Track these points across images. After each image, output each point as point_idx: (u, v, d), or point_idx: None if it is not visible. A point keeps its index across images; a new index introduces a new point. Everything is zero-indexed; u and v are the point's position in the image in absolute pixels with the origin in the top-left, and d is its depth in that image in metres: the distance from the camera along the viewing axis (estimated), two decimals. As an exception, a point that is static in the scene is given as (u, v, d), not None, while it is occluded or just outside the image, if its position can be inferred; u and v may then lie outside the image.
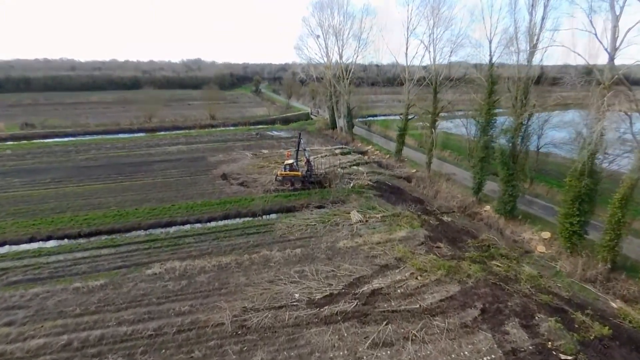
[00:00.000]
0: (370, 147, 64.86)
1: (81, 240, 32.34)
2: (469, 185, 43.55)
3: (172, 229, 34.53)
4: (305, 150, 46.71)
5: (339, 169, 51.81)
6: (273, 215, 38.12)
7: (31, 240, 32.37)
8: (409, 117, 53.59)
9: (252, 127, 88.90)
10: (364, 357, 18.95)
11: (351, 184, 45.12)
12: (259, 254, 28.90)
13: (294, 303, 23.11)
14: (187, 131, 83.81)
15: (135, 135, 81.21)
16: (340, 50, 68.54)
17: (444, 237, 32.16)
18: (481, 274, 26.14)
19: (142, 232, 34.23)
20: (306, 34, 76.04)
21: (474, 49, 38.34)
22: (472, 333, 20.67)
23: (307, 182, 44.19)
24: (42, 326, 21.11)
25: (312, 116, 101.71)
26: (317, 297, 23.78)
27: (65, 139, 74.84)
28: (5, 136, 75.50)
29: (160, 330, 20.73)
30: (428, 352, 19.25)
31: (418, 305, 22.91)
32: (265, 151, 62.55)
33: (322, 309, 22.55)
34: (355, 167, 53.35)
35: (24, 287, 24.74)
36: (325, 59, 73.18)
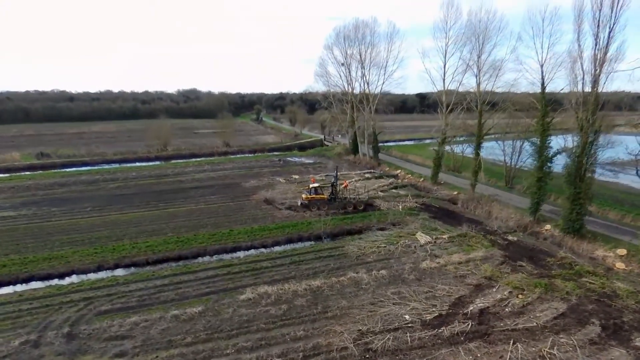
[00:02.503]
0: (399, 171, 65.39)
1: (151, 268, 31.27)
2: (516, 206, 44.21)
3: (241, 254, 33.76)
4: (335, 176, 46.71)
5: (379, 192, 52.03)
6: (330, 238, 37.67)
7: (99, 269, 31.18)
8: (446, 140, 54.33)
9: (270, 153, 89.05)
10: (510, 377, 18.40)
11: (400, 207, 45.13)
12: (347, 277, 28.32)
13: (408, 325, 22.53)
14: (206, 159, 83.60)
15: (153, 163, 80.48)
16: (367, 77, 70.04)
17: (521, 256, 32.12)
18: (579, 290, 26.05)
19: (209, 258, 33.33)
20: (328, 61, 76.66)
21: (519, 73, 39.52)
22: (604, 349, 20.36)
23: (337, 204, 44.23)
24: (156, 356, 20.04)
25: (325, 143, 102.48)
26: (427, 318, 23.26)
27: (84, 168, 73.84)
28: (22, 166, 73.95)
29: (285, 356, 19.86)
30: (572, 370, 18.83)
31: (535, 324, 22.56)
32: (296, 176, 62.57)
33: (439, 330, 22.02)
34: (394, 191, 53.59)
35: (118, 317, 23.59)
36: (347, 86, 74.59)
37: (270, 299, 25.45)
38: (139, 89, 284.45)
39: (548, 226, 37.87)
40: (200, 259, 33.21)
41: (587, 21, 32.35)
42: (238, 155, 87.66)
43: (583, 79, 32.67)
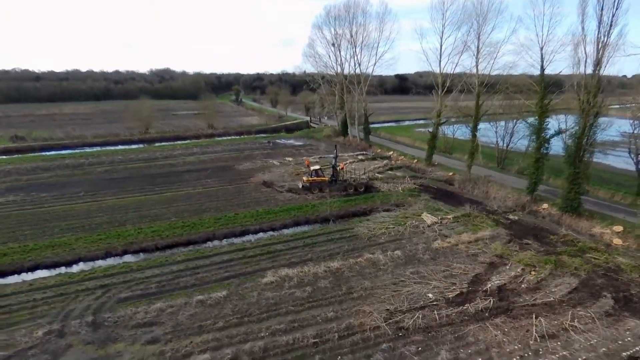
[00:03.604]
0: (392, 152, 65.90)
1: (161, 253, 30.68)
2: (511, 186, 45.56)
3: (250, 238, 33.53)
4: (334, 158, 46.83)
5: (376, 174, 52.41)
6: (337, 220, 37.89)
7: (107, 255, 30.32)
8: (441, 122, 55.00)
9: (257, 135, 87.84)
10: (540, 349, 19.30)
11: (400, 188, 45.70)
12: (363, 258, 28.67)
13: (433, 303, 23.15)
14: (191, 141, 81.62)
15: (137, 146, 77.99)
16: (358, 58, 69.47)
17: (526, 234, 33.32)
18: (586, 266, 27.37)
19: (219, 242, 32.96)
20: (317, 41, 75.55)
21: (518, 56, 40.14)
22: (620, 320, 21.61)
23: (338, 186, 44.35)
24: (190, 342, 19.86)
25: (312, 124, 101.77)
26: (450, 296, 23.95)
27: (65, 152, 70.77)
28: (-4, 150, 70.07)
29: (321, 337, 20.09)
30: (595, 341, 19.91)
31: (552, 299, 23.61)
32: (289, 159, 62.13)
33: (464, 307, 22.74)
34: (390, 172, 54.11)
35: (141, 304, 23.14)
36: (338, 67, 73.89)
37: (292, 281, 25.51)
38: (109, 68, 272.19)
39: (545, 205, 39.30)
40: (209, 244, 32.78)
41: (591, 5, 32.97)
42: (224, 138, 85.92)
43: (586, 61, 33.52)
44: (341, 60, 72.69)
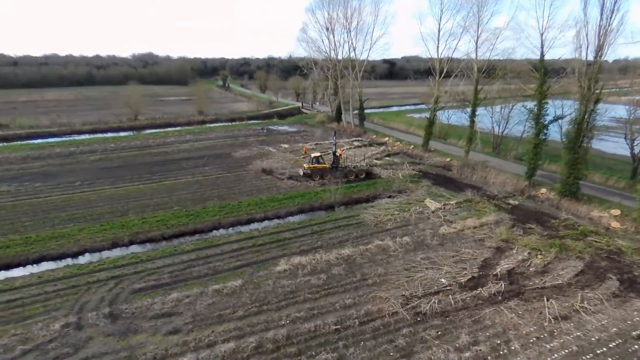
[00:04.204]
0: (387, 138, 66.02)
1: (168, 243, 30.46)
2: (508, 171, 46.29)
3: (257, 226, 33.54)
4: (334, 144, 46.88)
5: (374, 160, 52.58)
6: (342, 207, 38.11)
7: (113, 246, 29.94)
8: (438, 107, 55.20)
9: (250, 122, 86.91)
10: (555, 331, 19.95)
11: (400, 174, 46.00)
12: (373, 244, 28.95)
13: (447, 288, 23.62)
14: (183, 128, 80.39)
15: (127, 133, 76.58)
16: (353, 43, 68.83)
17: (528, 218, 34.04)
18: (590, 249, 28.20)
19: (225, 231, 32.82)
20: (310, 25, 74.48)
21: (517, 41, 40.34)
22: (627, 301, 22.44)
23: (339, 173, 44.21)
24: (212, 331, 19.91)
25: (304, 110, 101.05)
26: (462, 280, 24.44)
27: (53, 140, 68.77)
28: (-21, 137, 67.76)
29: (342, 323, 20.36)
30: (605, 321, 20.66)
31: (561, 281, 24.32)
32: (286, 145, 61.81)
33: (477, 291, 23.27)
34: (387, 158, 54.37)
35: (157, 294, 23.03)
36: (332, 52, 73.17)
37: (306, 269, 25.65)
38: (88, 52, 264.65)
39: (543, 190, 40.10)
40: (216, 232, 32.66)
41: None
42: (217, 124, 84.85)
43: (587, 48, 33.90)
44: (335, 44, 71.97)
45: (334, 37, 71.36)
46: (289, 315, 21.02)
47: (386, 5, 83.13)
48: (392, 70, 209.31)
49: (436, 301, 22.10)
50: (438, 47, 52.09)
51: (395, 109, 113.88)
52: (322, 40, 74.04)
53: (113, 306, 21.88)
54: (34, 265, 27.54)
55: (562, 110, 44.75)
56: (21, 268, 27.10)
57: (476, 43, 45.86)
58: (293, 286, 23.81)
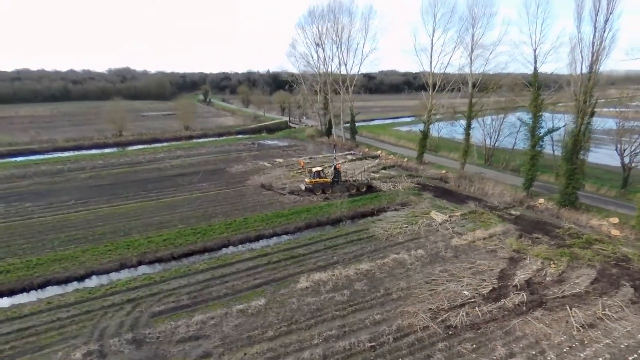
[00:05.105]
0: (380, 152, 66.71)
1: (178, 263, 29.60)
2: (503, 182, 47.45)
3: (268, 242, 33.10)
4: (334, 158, 47.22)
5: (371, 174, 52.94)
6: (348, 221, 38.09)
7: (121, 267, 28.83)
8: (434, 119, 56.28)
9: (239, 137, 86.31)
10: (584, 339, 20.31)
11: (400, 187, 46.45)
12: (390, 258, 28.95)
13: (471, 300, 23.77)
14: (170, 143, 78.85)
15: (112, 150, 74.66)
16: (344, 58, 69.74)
17: (532, 228, 34.85)
18: (598, 257, 29.04)
19: (235, 249, 32.20)
20: (300, 41, 75.31)
21: (511, 57, 41.89)
22: (645, 307, 23.10)
23: (341, 187, 44.36)
24: (245, 354, 19.32)
25: (292, 125, 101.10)
26: (484, 292, 24.68)
27: (35, 157, 66.21)
28: (-43, 156, 64.59)
29: (376, 340, 20.14)
30: (630, 328, 21.21)
31: (578, 290, 24.88)
32: (280, 160, 61.57)
33: (501, 302, 23.52)
34: (384, 171, 54.85)
35: (179, 317, 22.23)
36: (322, 67, 73.87)
37: (328, 285, 25.36)
38: (62, 67, 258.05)
39: (542, 200, 41.23)
40: (226, 250, 31.98)
41: (586, 9, 34.91)
42: (205, 139, 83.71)
43: (582, 64, 35.48)
44: (325, 59, 72.69)
45: (323, 51, 72.16)
46: (321, 334, 20.63)
47: (376, 21, 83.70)
48: (371, 84, 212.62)
49: (464, 314, 22.17)
50: (431, 62, 53.41)
51: (379, 122, 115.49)
52: (311, 55, 74.76)
53: (135, 331, 20.96)
54: (39, 290, 26.17)
55: (553, 123, 46.42)
56: (25, 294, 25.73)
57: (470, 58, 47.31)
58: (318, 303, 23.44)
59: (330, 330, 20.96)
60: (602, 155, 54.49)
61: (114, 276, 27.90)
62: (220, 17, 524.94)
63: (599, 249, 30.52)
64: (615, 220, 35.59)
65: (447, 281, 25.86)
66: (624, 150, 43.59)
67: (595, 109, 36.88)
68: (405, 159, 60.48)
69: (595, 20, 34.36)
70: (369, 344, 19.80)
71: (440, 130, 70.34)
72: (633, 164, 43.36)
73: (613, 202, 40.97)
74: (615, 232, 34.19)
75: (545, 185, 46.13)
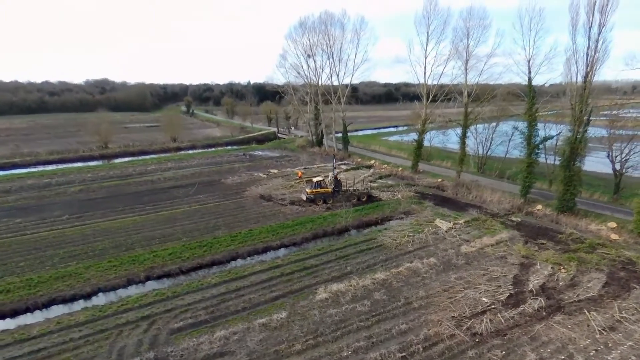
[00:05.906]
0: (373, 161, 67.08)
1: (187, 277, 28.76)
2: (499, 189, 48.36)
3: (277, 254, 32.60)
4: (334, 168, 47.33)
5: (369, 183, 53.12)
6: (353, 231, 38.00)
7: (129, 283, 27.82)
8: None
9: (229, 148, 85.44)
10: (608, 342, 20.64)
11: (399, 196, 46.71)
12: (404, 267, 28.91)
13: (491, 307, 23.91)
14: (159, 155, 77.18)
15: (97, 162, 72.66)
16: (336, 69, 70.28)
17: (536, 234, 35.51)
18: (604, 261, 29.77)
19: (244, 261, 31.56)
20: (290, 52, 75.55)
21: (505, 67, 43.10)
22: (659, 308, 23.71)
23: (342, 197, 44.36)
24: (274, 369, 18.81)
25: (280, 135, 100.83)
26: (502, 298, 24.87)
27: (18, 171, 63.99)
28: None
29: (406, 350, 19.95)
30: (650, 330, 21.70)
31: (592, 294, 25.38)
32: (275, 170, 61.19)
33: (520, 308, 23.74)
34: (380, 181, 55.13)
35: (200, 333, 21.51)
36: (314, 77, 74.21)
37: (347, 296, 25.07)
38: (36, 78, 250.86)
39: (539, 206, 42.13)
40: (234, 263, 31.32)
41: (581, 22, 36.27)
42: (196, 151, 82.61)
43: (577, 74, 36.75)
44: (316, 69, 73.05)
45: (314, 62, 72.56)
46: (349, 346, 20.29)
47: (367, 33, 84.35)
48: (355, 95, 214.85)
49: (487, 320, 22.24)
50: (425, 72, 54.38)
51: (367, 132, 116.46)
52: (301, 66, 75.04)
53: (156, 349, 20.14)
54: (44, 309, 24.94)
55: (545, 131, 47.75)
56: (30, 314, 24.48)
57: (465, 68, 48.40)
58: (340, 315, 23.11)
59: (357, 341, 20.64)
60: (591, 162, 56.24)
61: (122, 292, 26.89)
62: (201, 26, 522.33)
63: (603, 253, 31.28)
64: (613, 224, 36.61)
65: (464, 288, 25.95)
66: (615, 157, 45.10)
67: (591, 117, 38.07)
68: (400, 168, 60.95)
69: (589, 32, 35.69)
70: (400, 355, 19.57)
71: (432, 139, 71.41)
72: (624, 171, 44.83)
73: (608, 207, 42.20)
74: (614, 236, 35.14)
75: (540, 192, 47.21)
